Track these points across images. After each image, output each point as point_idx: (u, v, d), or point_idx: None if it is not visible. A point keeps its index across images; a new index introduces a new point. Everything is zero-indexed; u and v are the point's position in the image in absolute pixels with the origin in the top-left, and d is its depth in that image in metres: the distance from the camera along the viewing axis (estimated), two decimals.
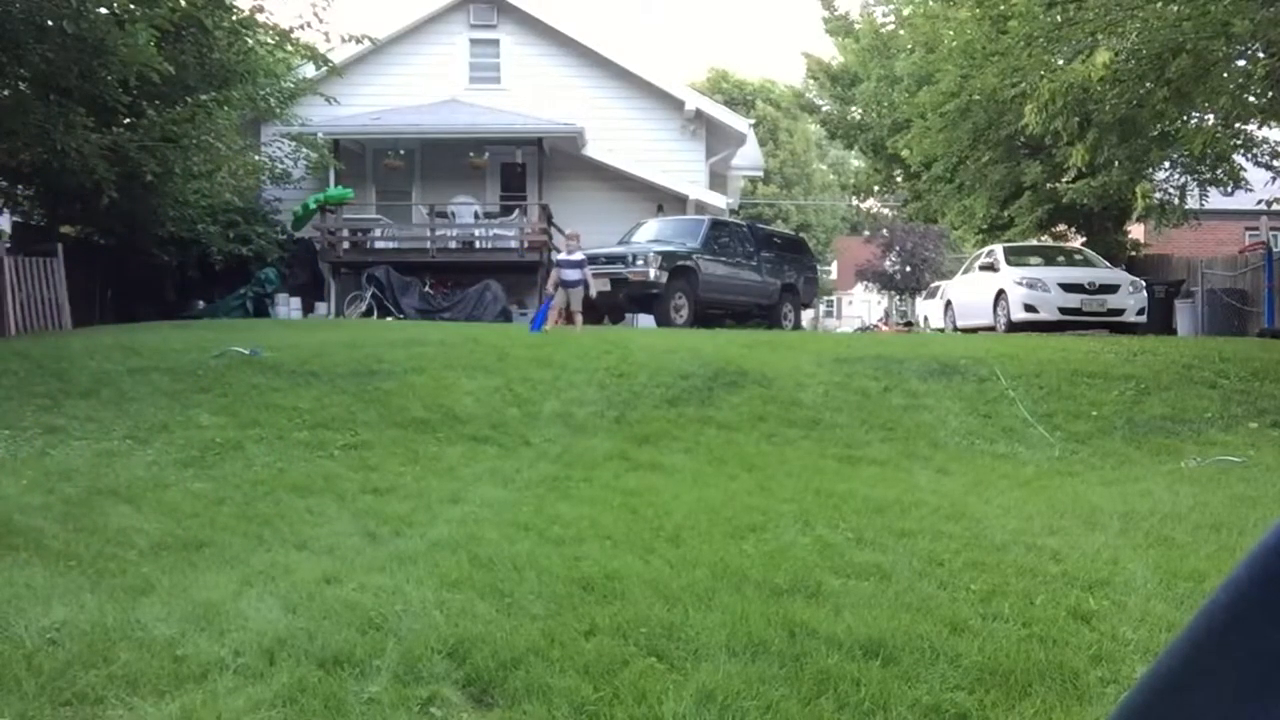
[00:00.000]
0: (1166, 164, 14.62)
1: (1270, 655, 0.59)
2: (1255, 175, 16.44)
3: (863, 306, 57.20)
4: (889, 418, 8.09)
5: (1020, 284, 14.71)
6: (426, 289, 17.11)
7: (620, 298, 14.46)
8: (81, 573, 3.86)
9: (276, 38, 13.08)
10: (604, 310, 15.01)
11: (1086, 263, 15.96)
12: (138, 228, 13.69)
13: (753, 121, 29.61)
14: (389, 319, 15.73)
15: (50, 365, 8.48)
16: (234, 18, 11.68)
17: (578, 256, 12.79)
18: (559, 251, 13.17)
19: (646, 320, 15.09)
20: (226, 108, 12.51)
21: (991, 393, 8.74)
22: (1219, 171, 15.97)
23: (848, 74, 23.68)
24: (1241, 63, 11.00)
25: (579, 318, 12.48)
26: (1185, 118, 12.01)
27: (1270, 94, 10.85)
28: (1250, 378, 9.26)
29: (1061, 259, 16.28)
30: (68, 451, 6.41)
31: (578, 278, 12.56)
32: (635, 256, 14.17)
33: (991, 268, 15.81)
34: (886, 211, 40.29)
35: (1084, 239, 19.72)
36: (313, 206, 17.03)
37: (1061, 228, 20.48)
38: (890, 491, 5.77)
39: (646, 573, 3.89)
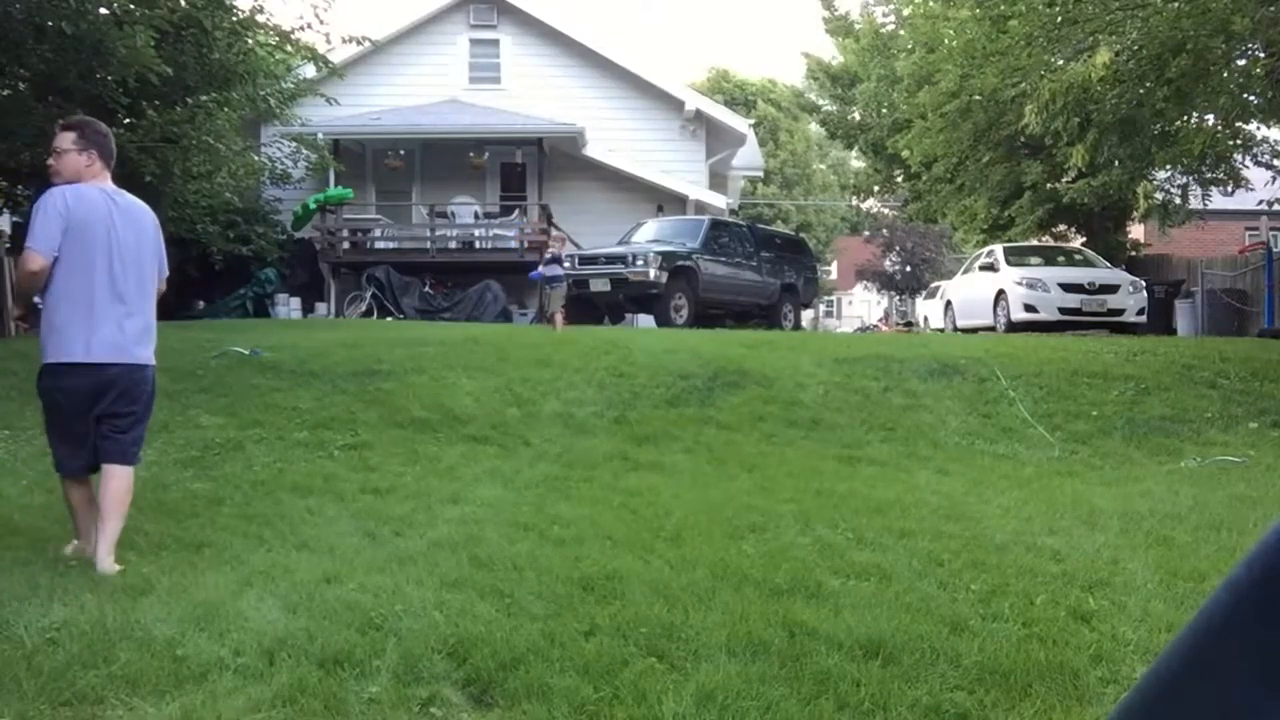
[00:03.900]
0: (1167, 164, 14.62)
1: (1270, 654, 0.59)
2: (1255, 175, 16.46)
3: (863, 306, 57.20)
4: (889, 418, 8.09)
5: (1020, 284, 14.71)
6: (426, 289, 17.11)
7: (620, 298, 14.47)
8: (81, 573, 3.86)
9: (277, 39, 13.07)
10: (604, 310, 15.03)
11: (1086, 263, 15.96)
12: None
13: (753, 122, 29.61)
14: (389, 319, 15.73)
15: None
16: (234, 18, 11.65)
17: (549, 255, 13.02)
18: (547, 252, 13.36)
19: (646, 320, 15.10)
20: (226, 109, 12.49)
21: (991, 393, 8.74)
22: (1220, 171, 15.98)
23: (848, 74, 23.70)
24: (1241, 62, 11.00)
25: (559, 318, 12.56)
26: (1185, 118, 12.01)
27: (1270, 94, 10.85)
28: (1250, 378, 9.25)
29: (1061, 259, 16.28)
30: None
31: (556, 274, 12.80)
32: (635, 256, 14.18)
33: (991, 268, 15.81)
34: (886, 211, 40.30)
35: (1084, 239, 19.73)
36: (313, 207, 17.02)
37: (1061, 228, 20.50)
38: (890, 491, 5.77)
39: (646, 573, 3.89)
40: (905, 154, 18.43)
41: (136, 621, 3.24)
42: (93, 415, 4.05)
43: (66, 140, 4.11)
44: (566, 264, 13.89)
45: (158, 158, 11.31)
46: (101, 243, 4.02)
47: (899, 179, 22.97)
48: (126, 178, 11.75)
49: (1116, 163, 13.64)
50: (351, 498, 5.43)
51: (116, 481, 4.06)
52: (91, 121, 4.30)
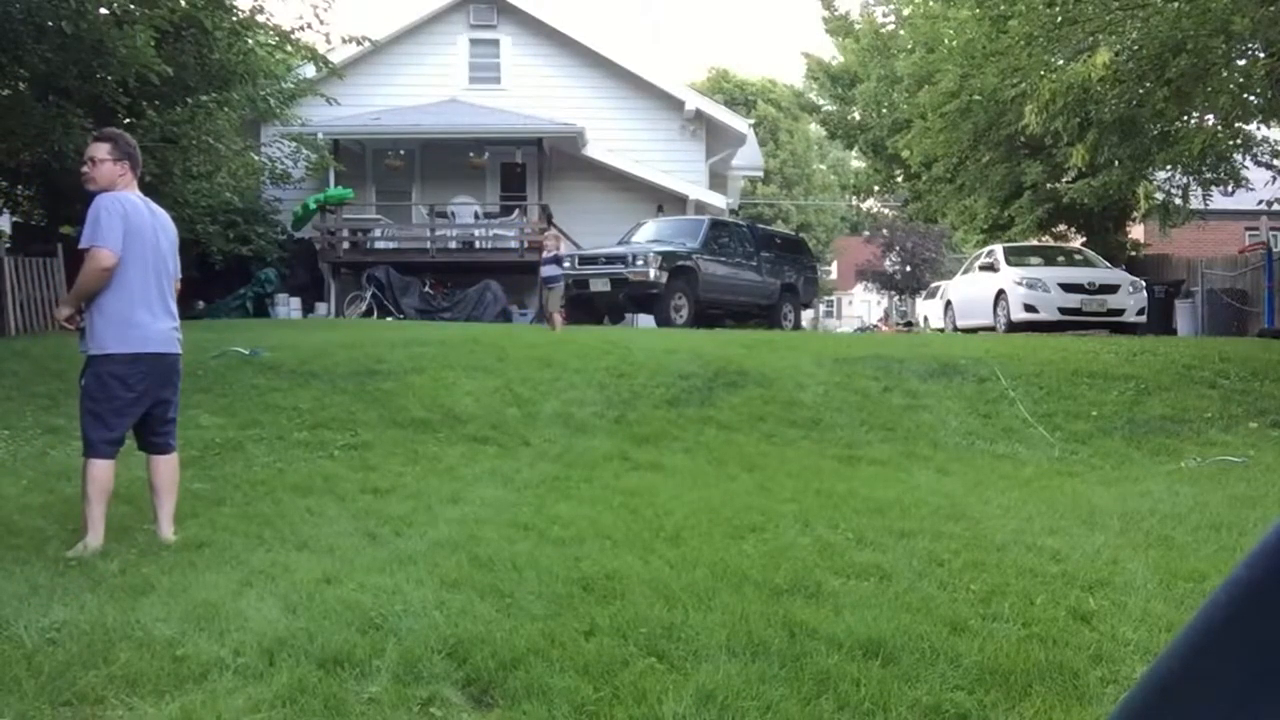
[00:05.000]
0: (1168, 165, 14.62)
1: (1271, 654, 0.59)
2: (1255, 175, 16.45)
3: (863, 306, 57.20)
4: (889, 418, 8.09)
5: (1020, 284, 14.71)
6: (426, 289, 17.11)
7: (620, 298, 14.47)
8: (81, 573, 3.86)
9: (277, 39, 13.08)
10: (604, 310, 15.03)
11: (1086, 263, 15.96)
12: None
13: (753, 121, 29.63)
14: (389, 319, 15.73)
15: (50, 365, 8.48)
16: (234, 19, 11.66)
17: (548, 254, 13.00)
18: (546, 251, 13.31)
19: (646, 320, 15.10)
20: (226, 109, 12.50)
21: (991, 393, 8.73)
22: (1220, 171, 15.96)
23: (848, 74, 23.68)
24: (1241, 62, 10.99)
25: (557, 318, 12.55)
26: (1185, 118, 12.01)
27: (1270, 94, 10.84)
28: (1250, 378, 9.25)
29: (1061, 259, 16.28)
30: (68, 451, 6.40)
31: (553, 274, 12.78)
32: (635, 256, 14.18)
33: (991, 268, 15.81)
34: (886, 211, 40.29)
35: (1084, 239, 19.73)
36: (313, 207, 17.03)
37: (1061, 228, 20.48)
38: (890, 491, 5.77)
39: (646, 573, 3.89)
40: (905, 154, 18.40)
41: (136, 621, 3.24)
42: (146, 403, 4.49)
43: (102, 150, 4.46)
44: (566, 264, 13.89)
45: (158, 158, 11.31)
46: (150, 245, 4.48)
47: (899, 179, 22.95)
48: None
49: (1116, 163, 13.62)
50: (351, 498, 5.43)
51: (169, 465, 4.62)
52: (124, 134, 4.71)
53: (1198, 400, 8.58)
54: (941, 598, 3.67)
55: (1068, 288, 14.48)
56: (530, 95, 18.99)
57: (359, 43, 13.65)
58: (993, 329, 14.91)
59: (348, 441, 6.90)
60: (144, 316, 4.42)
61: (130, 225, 4.37)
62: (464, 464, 6.44)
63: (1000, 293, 15.07)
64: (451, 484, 5.81)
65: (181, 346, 4.68)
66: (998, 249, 16.50)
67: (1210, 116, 11.85)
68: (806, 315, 22.82)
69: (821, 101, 26.44)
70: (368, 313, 16.26)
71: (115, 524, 4.54)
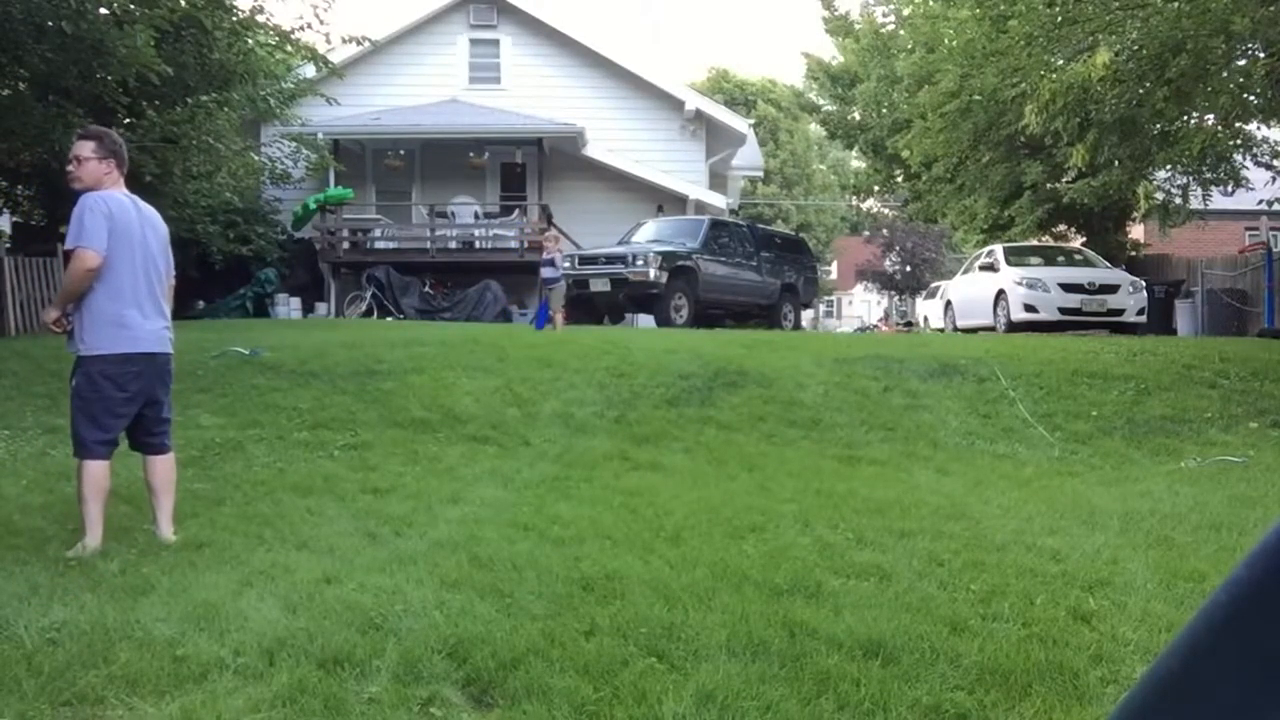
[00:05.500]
0: (1168, 164, 14.61)
1: (1271, 655, 0.59)
2: (1255, 175, 16.44)
3: (863, 306, 57.20)
4: (889, 418, 8.09)
5: (1020, 284, 14.71)
6: (426, 289, 17.11)
7: (620, 298, 14.47)
8: (81, 573, 3.86)
9: (277, 39, 13.09)
10: (604, 310, 15.04)
11: (1086, 263, 15.96)
12: None
13: (753, 121, 29.63)
14: (389, 319, 15.73)
15: (50, 365, 8.47)
16: (234, 19, 11.66)
17: (547, 255, 13.00)
18: (544, 252, 13.32)
19: (646, 320, 15.10)
20: (226, 109, 12.50)
21: (991, 393, 8.73)
22: (1220, 171, 15.96)
23: (848, 74, 23.70)
24: (1241, 62, 10.99)
25: (559, 317, 12.56)
26: (1185, 118, 12.00)
27: (1270, 94, 10.84)
28: (1250, 378, 9.25)
29: (1061, 259, 16.28)
30: (68, 451, 6.36)
31: (552, 275, 12.78)
32: (635, 256, 14.18)
33: (991, 268, 15.81)
34: (886, 211, 40.29)
35: (1084, 239, 19.73)
36: (313, 207, 17.03)
37: (1061, 228, 20.49)
38: (890, 491, 5.77)
39: (646, 573, 3.89)
40: (905, 154, 18.40)
41: (136, 621, 3.24)
42: (138, 403, 4.46)
43: (87, 149, 4.41)
44: (566, 264, 13.89)
45: (158, 158, 11.31)
46: (138, 244, 4.42)
47: (899, 179, 22.96)
48: (127, 178, 11.75)
49: (1116, 163, 13.61)
50: (351, 498, 5.43)
51: (166, 465, 4.60)
52: (109, 132, 4.62)
53: (1198, 400, 8.58)
54: (941, 598, 3.67)
55: (1068, 288, 14.48)
56: (530, 95, 19.00)
57: (359, 43, 13.66)
58: (993, 329, 14.92)
59: (348, 441, 6.90)
60: (135, 316, 4.38)
61: (117, 224, 4.31)
62: (464, 464, 6.44)
63: (1000, 293, 15.07)
64: (451, 484, 5.81)
65: (173, 346, 4.64)
66: (998, 249, 16.50)
67: (1210, 116, 11.85)
68: (806, 315, 22.82)
69: (821, 101, 26.45)
70: (368, 313, 16.26)
71: (115, 524, 4.54)
